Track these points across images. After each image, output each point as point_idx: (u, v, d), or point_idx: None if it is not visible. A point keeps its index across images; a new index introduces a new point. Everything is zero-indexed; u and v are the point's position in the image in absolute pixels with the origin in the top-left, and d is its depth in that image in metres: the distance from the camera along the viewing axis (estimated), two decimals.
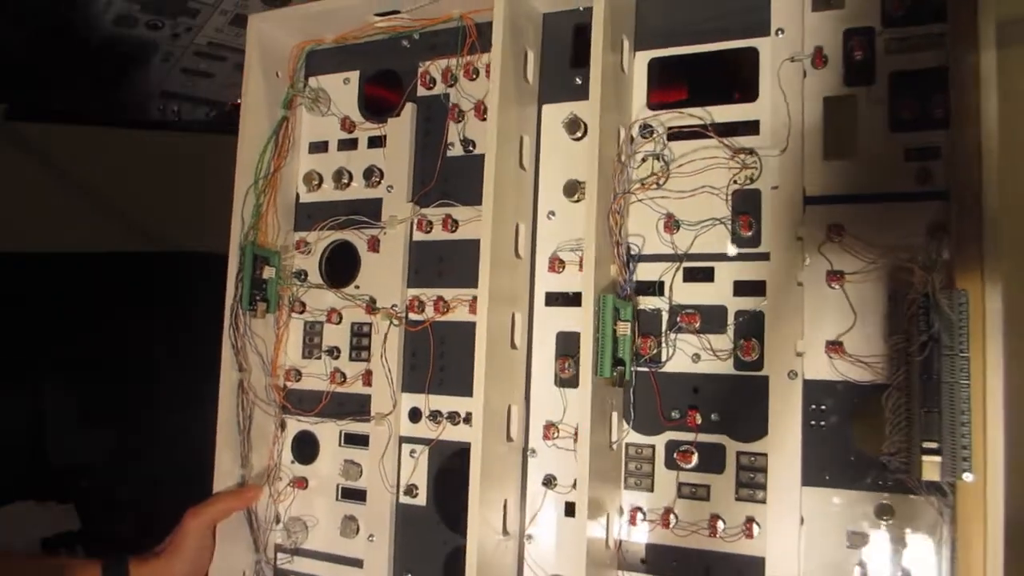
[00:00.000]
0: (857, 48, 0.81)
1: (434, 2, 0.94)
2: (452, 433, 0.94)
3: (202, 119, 1.35)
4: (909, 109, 0.78)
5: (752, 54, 0.85)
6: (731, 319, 0.84)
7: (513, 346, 0.90)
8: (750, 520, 0.81)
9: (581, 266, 0.83)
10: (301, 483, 1.02)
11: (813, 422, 0.79)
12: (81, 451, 1.13)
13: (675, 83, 0.90)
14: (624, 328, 0.82)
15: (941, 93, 0.76)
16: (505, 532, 0.87)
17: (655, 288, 0.87)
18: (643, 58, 0.90)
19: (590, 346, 0.79)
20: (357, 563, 0.98)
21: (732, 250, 0.84)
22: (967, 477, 0.67)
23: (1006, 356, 0.68)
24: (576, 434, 0.84)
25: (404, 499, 0.96)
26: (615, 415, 0.85)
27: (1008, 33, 0.73)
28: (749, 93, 0.85)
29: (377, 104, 1.04)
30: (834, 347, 0.78)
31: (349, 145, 1.05)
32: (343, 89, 1.05)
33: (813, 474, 0.79)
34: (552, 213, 0.92)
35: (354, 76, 1.05)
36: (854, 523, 0.77)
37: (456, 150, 0.97)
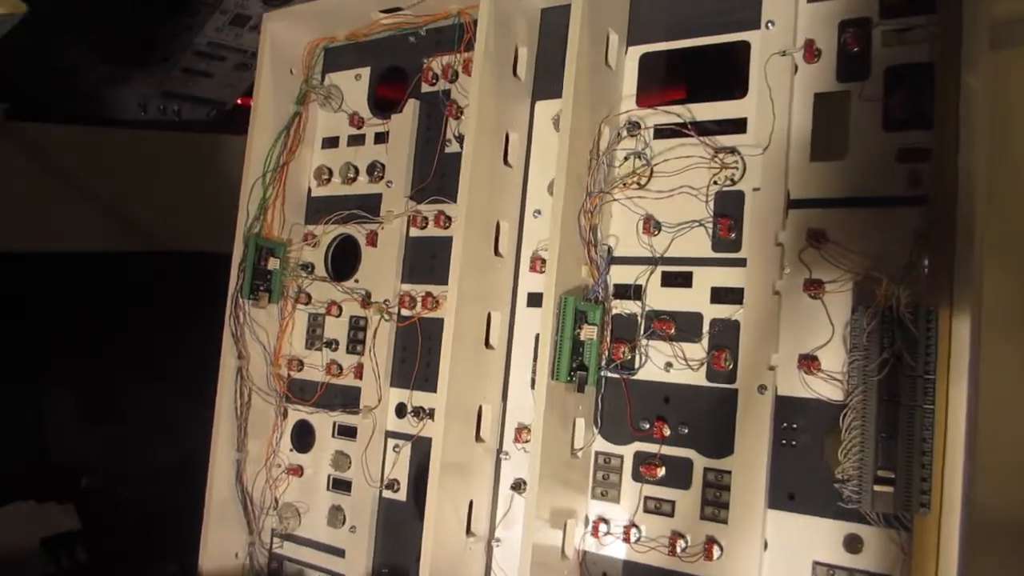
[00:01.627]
0: (851, 41, 0.75)
1: None
2: (432, 430, 0.93)
3: (202, 119, 1.39)
4: (904, 107, 0.72)
5: (743, 48, 0.81)
6: (707, 327, 0.79)
7: (488, 345, 0.89)
8: (711, 541, 0.76)
9: None
10: (296, 471, 1.04)
11: (783, 441, 0.74)
12: (81, 450, 1.17)
13: (664, 79, 0.86)
14: (590, 332, 0.79)
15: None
16: (470, 533, 0.86)
17: (631, 291, 0.83)
18: (635, 53, 0.87)
19: (548, 348, 0.77)
20: (340, 553, 0.99)
21: (711, 254, 0.80)
22: (923, 512, 0.61)
23: (988, 366, 0.61)
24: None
25: (386, 493, 0.96)
26: (581, 421, 0.82)
27: (1004, 34, 0.66)
28: (738, 89, 0.80)
29: (385, 100, 1.05)
30: (808, 362, 0.73)
31: (358, 141, 1.06)
32: (354, 85, 1.07)
33: (780, 497, 0.74)
34: (538, 212, 0.90)
35: (365, 72, 1.06)
36: (820, 553, 0.71)
37: (454, 147, 0.97)
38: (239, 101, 1.30)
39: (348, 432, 1.01)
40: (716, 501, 0.77)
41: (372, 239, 1.01)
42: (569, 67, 0.79)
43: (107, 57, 1.22)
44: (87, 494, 1.10)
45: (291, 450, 1.06)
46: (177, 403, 1.26)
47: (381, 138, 1.03)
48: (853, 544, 0.70)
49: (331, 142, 1.08)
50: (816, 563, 0.71)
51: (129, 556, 1.06)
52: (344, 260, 1.05)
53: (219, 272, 1.01)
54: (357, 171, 1.04)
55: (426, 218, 0.97)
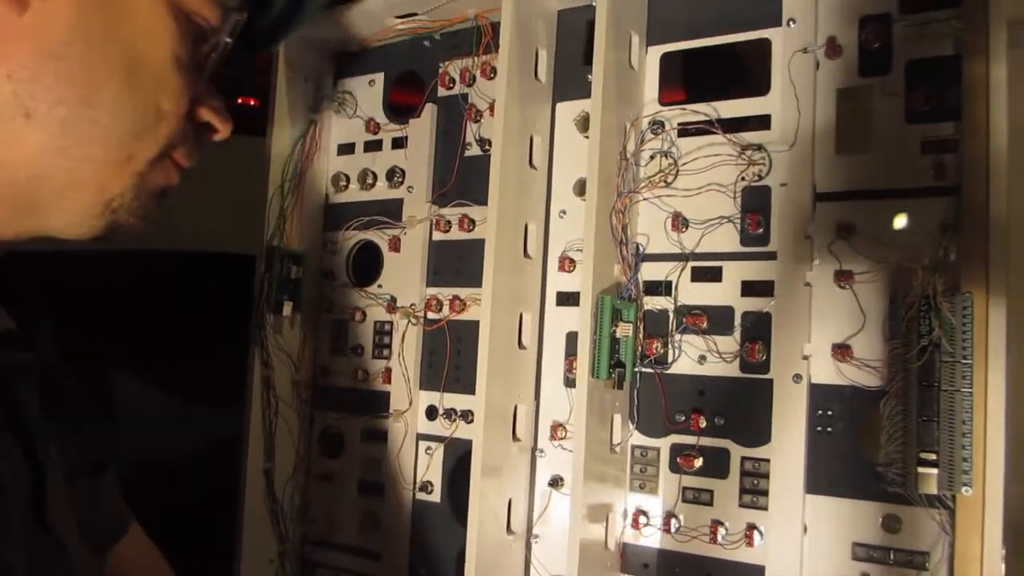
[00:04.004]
0: (872, 37, 0.77)
1: (450, 2, 0.94)
2: (465, 431, 0.95)
3: None
4: (926, 99, 0.74)
5: (764, 46, 0.83)
6: (738, 320, 0.81)
7: (521, 346, 0.90)
8: (751, 527, 0.78)
9: None
10: (326, 477, 1.05)
11: (819, 428, 0.76)
12: (96, 450, 1.16)
13: (686, 78, 0.87)
14: (626, 329, 0.81)
15: (959, 82, 0.72)
16: (509, 531, 0.88)
17: (662, 288, 0.85)
18: (655, 53, 0.89)
19: (587, 347, 0.78)
20: (376, 556, 1.00)
21: (741, 248, 0.82)
22: (966, 491, 0.63)
23: (1013, 362, 0.63)
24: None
25: (420, 495, 0.97)
26: (618, 417, 0.84)
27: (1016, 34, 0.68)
28: (761, 86, 0.82)
29: (400, 105, 1.05)
30: (841, 350, 0.75)
31: (374, 147, 1.06)
32: (368, 91, 1.07)
33: (818, 482, 0.76)
34: (564, 212, 0.92)
35: (379, 78, 1.07)
36: (859, 534, 0.74)
37: (474, 150, 0.98)
38: (239, 100, 1.29)
39: (376, 436, 1.02)
40: (754, 489, 0.79)
41: (395, 244, 1.02)
42: (597, 70, 0.80)
43: None
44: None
45: (319, 456, 1.06)
46: (178, 403, 1.25)
47: (399, 143, 1.04)
48: (891, 524, 0.72)
49: (347, 148, 1.09)
50: (855, 543, 0.74)
51: None
52: (365, 266, 1.06)
53: (219, 272, 1.01)
54: (376, 177, 1.05)
55: (449, 222, 0.98)
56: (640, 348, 0.84)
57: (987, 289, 0.64)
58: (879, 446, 0.68)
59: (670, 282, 0.85)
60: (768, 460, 0.78)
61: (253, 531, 1.00)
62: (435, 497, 0.97)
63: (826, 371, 0.76)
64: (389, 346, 1.02)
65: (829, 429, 0.76)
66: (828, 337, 0.76)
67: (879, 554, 0.73)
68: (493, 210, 0.85)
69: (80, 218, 0.61)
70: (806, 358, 0.76)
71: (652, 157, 0.86)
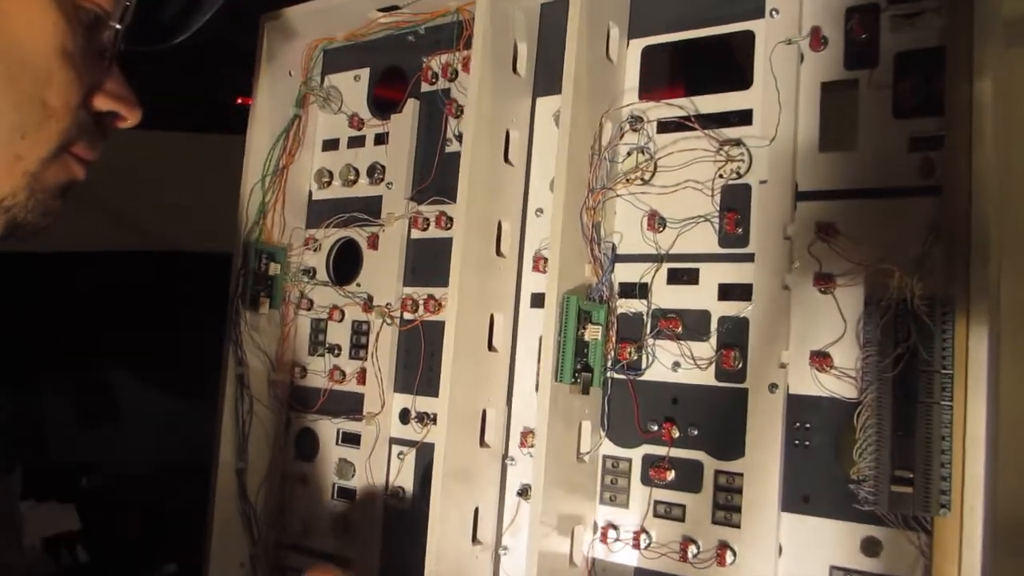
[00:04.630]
0: (859, 27, 0.72)
1: None
2: (435, 435, 0.91)
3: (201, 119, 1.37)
4: (915, 92, 0.70)
5: (747, 38, 0.78)
6: (715, 325, 0.77)
7: (492, 348, 0.87)
8: (724, 546, 0.73)
9: None
10: (301, 479, 1.02)
11: (796, 442, 0.72)
12: (81, 450, 1.15)
13: (666, 71, 0.84)
14: (595, 332, 0.77)
15: None
16: (476, 541, 0.84)
17: (636, 290, 0.81)
18: (637, 46, 0.85)
19: (551, 349, 0.75)
20: (347, 562, 0.97)
21: (718, 250, 0.78)
22: (944, 513, 0.58)
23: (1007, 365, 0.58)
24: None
25: (391, 501, 0.94)
26: (587, 424, 0.80)
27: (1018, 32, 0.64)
28: (743, 81, 0.78)
29: (384, 101, 1.03)
30: (820, 359, 0.70)
31: (358, 142, 1.04)
32: (354, 86, 1.05)
33: (794, 499, 0.71)
34: (540, 210, 0.88)
35: (364, 73, 1.05)
36: (838, 557, 0.69)
37: (454, 146, 0.95)
38: (238, 100, 1.28)
39: (352, 439, 0.99)
40: (728, 505, 0.74)
41: (373, 242, 0.99)
42: (568, 58, 0.77)
43: None
44: (87, 494, 1.08)
45: (295, 458, 1.04)
46: (178, 403, 1.24)
47: (381, 139, 1.02)
48: (871, 547, 0.67)
49: (331, 144, 1.07)
50: (833, 567, 0.69)
51: (129, 556, 1.05)
52: (346, 264, 1.04)
53: (219, 272, 0.99)
54: (357, 173, 1.03)
55: (427, 219, 0.95)
56: (612, 353, 0.80)
57: (968, 295, 0.59)
58: (852, 461, 0.63)
59: (645, 284, 0.81)
60: (742, 474, 0.73)
61: (224, 533, 0.98)
62: (407, 504, 0.93)
63: (804, 381, 0.71)
64: (366, 347, 0.99)
65: (807, 443, 0.71)
66: (807, 345, 0.71)
67: None
68: (462, 205, 0.82)
69: None
70: (783, 366, 0.72)
71: (629, 153, 0.82)
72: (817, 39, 0.74)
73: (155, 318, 1.22)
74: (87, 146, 0.63)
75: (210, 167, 1.13)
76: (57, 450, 1.11)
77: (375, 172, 1.01)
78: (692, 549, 0.75)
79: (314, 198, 1.08)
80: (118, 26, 0.61)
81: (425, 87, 0.98)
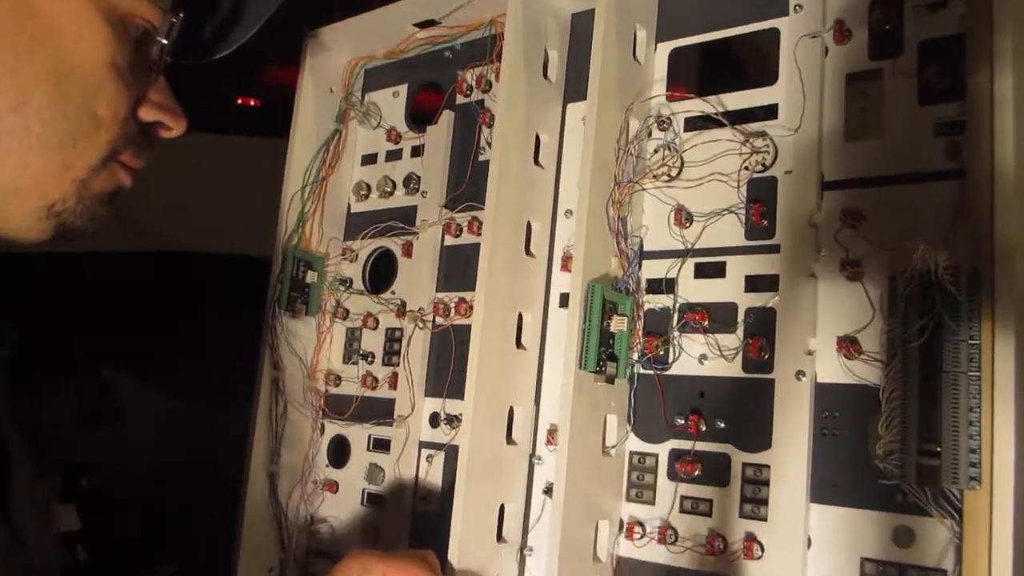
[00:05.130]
0: (883, 18, 0.73)
1: (467, 3, 0.95)
2: (461, 431, 0.91)
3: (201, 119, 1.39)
4: (940, 78, 0.70)
5: (773, 36, 0.80)
6: (742, 317, 0.76)
7: (520, 346, 0.87)
8: (751, 539, 0.71)
9: None
10: (332, 486, 1.03)
11: (824, 431, 0.70)
12: (81, 450, 1.16)
13: (694, 72, 0.85)
14: (620, 323, 0.77)
15: None
16: (501, 539, 0.83)
17: (663, 285, 0.81)
18: (664, 50, 0.87)
19: (575, 335, 0.75)
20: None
21: (744, 242, 0.77)
22: (974, 486, 0.56)
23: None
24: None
25: (420, 505, 0.94)
26: (613, 418, 0.79)
27: None
28: (769, 77, 0.79)
29: (421, 115, 1.06)
30: (848, 345, 0.69)
31: (395, 156, 1.07)
32: (392, 102, 1.09)
33: (823, 490, 0.69)
34: (570, 211, 0.89)
35: (402, 89, 1.08)
36: (868, 548, 0.66)
37: (487, 154, 0.97)
38: (239, 101, 1.31)
39: (383, 445, 0.99)
40: (755, 498, 0.73)
41: (407, 250, 1.01)
42: (595, 55, 0.79)
43: None
44: (87, 494, 1.09)
45: (327, 466, 1.04)
46: (178, 403, 1.25)
47: (417, 151, 1.04)
48: (903, 537, 0.65)
49: (370, 159, 1.10)
50: (864, 559, 0.67)
51: (129, 556, 1.05)
52: (382, 273, 1.06)
53: (220, 272, 1.01)
54: (394, 184, 1.05)
55: (460, 226, 0.97)
56: (639, 346, 0.80)
57: (992, 266, 0.58)
58: (877, 436, 0.61)
59: (672, 279, 0.81)
60: (768, 466, 0.72)
61: (253, 535, 0.98)
62: (434, 506, 0.93)
63: (832, 369, 0.70)
64: (398, 352, 1.00)
65: (835, 432, 0.70)
66: (834, 332, 0.70)
67: (890, 571, 0.65)
68: (491, 205, 0.83)
69: (25, 223, 0.63)
70: (810, 353, 0.71)
71: (656, 151, 0.83)
72: (840, 32, 0.75)
73: (155, 318, 1.23)
74: (134, 155, 0.67)
75: (210, 167, 1.15)
76: (57, 450, 1.13)
77: (411, 182, 1.03)
78: (719, 543, 0.73)
79: (352, 210, 1.10)
80: (165, 41, 0.65)
81: (460, 99, 1.01)
